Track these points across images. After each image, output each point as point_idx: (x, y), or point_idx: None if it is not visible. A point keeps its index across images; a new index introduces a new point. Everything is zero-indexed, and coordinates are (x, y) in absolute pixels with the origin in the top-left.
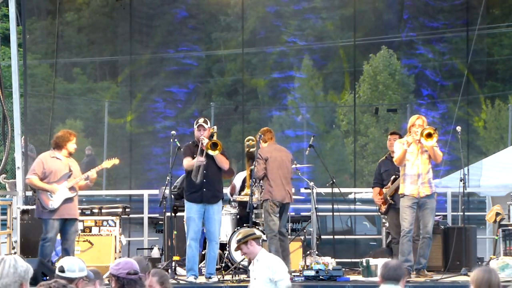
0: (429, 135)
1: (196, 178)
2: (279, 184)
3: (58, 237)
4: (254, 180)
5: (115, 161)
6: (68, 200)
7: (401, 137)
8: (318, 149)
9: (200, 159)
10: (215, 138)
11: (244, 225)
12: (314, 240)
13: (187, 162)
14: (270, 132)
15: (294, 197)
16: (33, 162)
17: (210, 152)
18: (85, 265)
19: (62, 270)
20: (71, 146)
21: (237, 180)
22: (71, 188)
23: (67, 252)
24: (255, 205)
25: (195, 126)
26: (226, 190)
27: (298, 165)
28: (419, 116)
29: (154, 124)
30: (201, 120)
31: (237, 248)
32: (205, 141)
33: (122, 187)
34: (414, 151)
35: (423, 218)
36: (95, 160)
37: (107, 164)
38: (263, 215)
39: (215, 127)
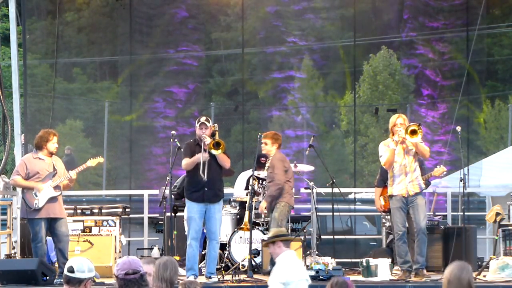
0: (413, 132)
1: (204, 174)
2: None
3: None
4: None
5: (100, 159)
6: (52, 199)
7: None
8: (318, 149)
9: (204, 155)
10: (217, 136)
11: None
12: (314, 240)
13: (186, 162)
14: (280, 138)
15: (294, 197)
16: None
17: (213, 151)
18: (93, 266)
19: (71, 270)
20: (51, 145)
21: (240, 179)
22: (56, 187)
23: (61, 252)
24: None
25: (197, 124)
26: (227, 190)
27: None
28: (399, 114)
29: (154, 124)
30: (203, 118)
31: (265, 246)
32: (208, 140)
33: (122, 187)
34: (400, 152)
35: (415, 216)
36: (74, 160)
37: (92, 162)
38: (277, 216)
39: (216, 125)
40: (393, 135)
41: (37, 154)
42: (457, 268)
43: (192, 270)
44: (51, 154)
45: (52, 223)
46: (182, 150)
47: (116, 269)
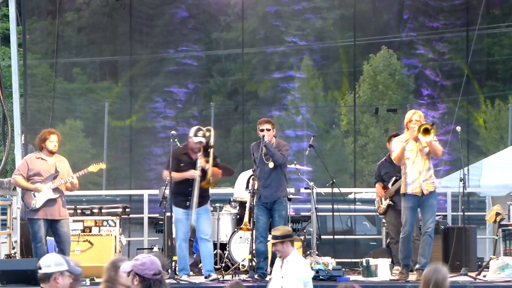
0: (426, 131)
1: (193, 187)
2: None
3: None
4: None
5: (102, 166)
6: (51, 201)
7: None
8: (318, 149)
9: (196, 173)
10: (211, 141)
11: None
12: (314, 240)
13: (166, 175)
14: None
15: (294, 197)
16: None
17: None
18: (64, 260)
19: (39, 267)
20: (50, 144)
21: (241, 179)
22: (55, 190)
23: (63, 253)
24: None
25: (193, 137)
26: (227, 190)
27: (298, 165)
28: (416, 111)
29: (154, 124)
30: (200, 134)
31: (274, 244)
32: (201, 162)
33: (122, 187)
34: (414, 149)
35: (424, 215)
36: None
37: (94, 168)
38: (283, 213)
39: (211, 130)
40: (408, 130)
41: (40, 154)
42: (430, 271)
43: (185, 270)
44: (51, 153)
45: (53, 224)
46: (168, 157)
47: (140, 268)
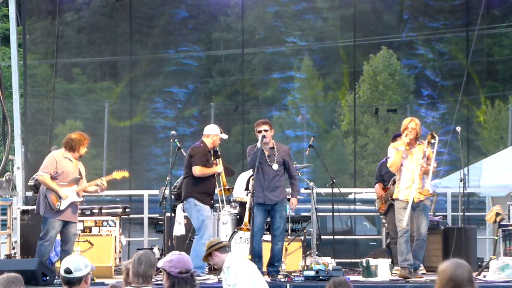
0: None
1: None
2: None
3: (58, 237)
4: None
5: (125, 173)
6: (73, 204)
7: None
8: (318, 149)
9: (220, 168)
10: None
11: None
12: (314, 240)
13: (204, 171)
14: None
15: None
16: (45, 159)
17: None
18: (87, 260)
19: (69, 271)
20: (83, 150)
21: (240, 180)
22: (78, 193)
23: (67, 253)
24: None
25: (220, 134)
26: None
27: (298, 165)
28: (412, 119)
29: (154, 124)
30: (223, 131)
31: (205, 260)
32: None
33: (122, 187)
34: (409, 157)
35: (417, 221)
36: None
37: (117, 175)
38: (283, 214)
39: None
40: (404, 137)
41: (67, 154)
42: (452, 266)
43: (201, 268)
44: (79, 157)
45: (66, 225)
46: (196, 152)
47: (168, 265)
